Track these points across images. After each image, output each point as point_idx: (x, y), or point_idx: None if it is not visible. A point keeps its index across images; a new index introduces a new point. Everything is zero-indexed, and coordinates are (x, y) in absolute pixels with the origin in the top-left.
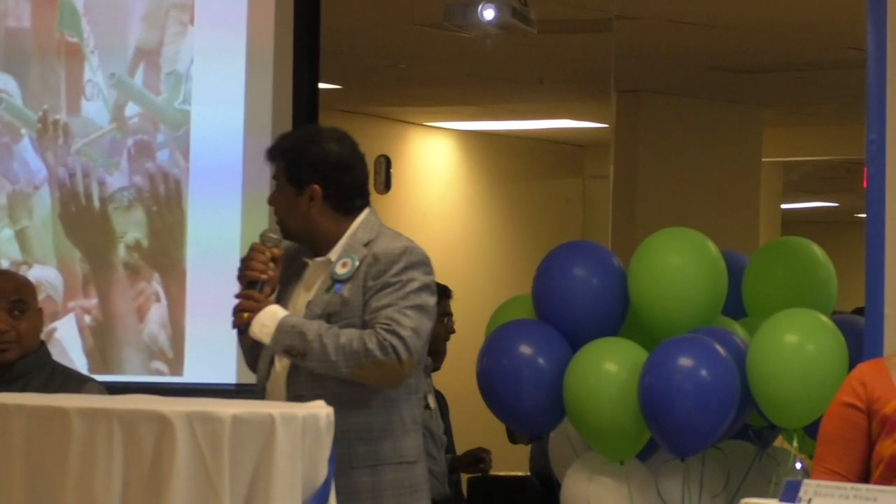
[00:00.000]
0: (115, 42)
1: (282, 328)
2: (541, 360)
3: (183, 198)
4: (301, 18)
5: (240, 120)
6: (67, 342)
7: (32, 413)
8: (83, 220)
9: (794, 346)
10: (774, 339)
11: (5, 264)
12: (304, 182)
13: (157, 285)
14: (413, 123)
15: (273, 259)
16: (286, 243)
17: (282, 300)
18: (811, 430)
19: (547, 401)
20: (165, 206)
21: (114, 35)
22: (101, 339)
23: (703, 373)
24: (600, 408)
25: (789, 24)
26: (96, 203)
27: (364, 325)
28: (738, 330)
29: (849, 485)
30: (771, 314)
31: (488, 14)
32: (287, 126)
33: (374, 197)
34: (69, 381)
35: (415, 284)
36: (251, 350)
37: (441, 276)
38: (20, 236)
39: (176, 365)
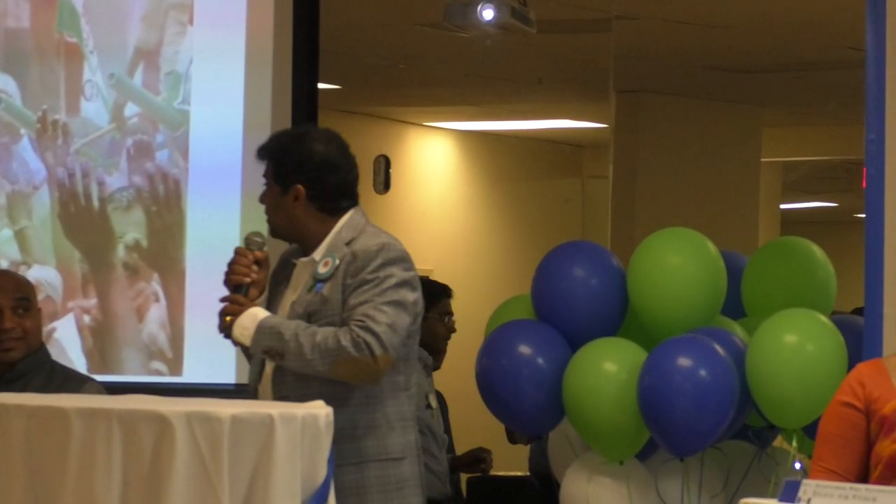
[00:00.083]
0: (114, 42)
1: (261, 329)
2: (540, 360)
3: (182, 198)
4: (300, 18)
5: (239, 120)
6: (67, 342)
7: (32, 413)
8: (82, 221)
9: (793, 347)
10: (774, 340)
11: (4, 264)
12: (289, 181)
13: (156, 285)
14: (412, 123)
15: (257, 262)
16: (286, 246)
17: (272, 302)
18: (810, 431)
19: (546, 401)
20: (165, 206)
21: (113, 35)
22: (100, 340)
23: (703, 373)
24: (599, 408)
25: (788, 24)
26: (95, 203)
27: (343, 324)
28: (737, 330)
29: (848, 485)
30: (770, 314)
31: (488, 14)
32: (286, 126)
33: (374, 197)
34: (69, 380)
35: (392, 281)
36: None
37: (440, 276)
38: (19, 236)
39: (175, 365)
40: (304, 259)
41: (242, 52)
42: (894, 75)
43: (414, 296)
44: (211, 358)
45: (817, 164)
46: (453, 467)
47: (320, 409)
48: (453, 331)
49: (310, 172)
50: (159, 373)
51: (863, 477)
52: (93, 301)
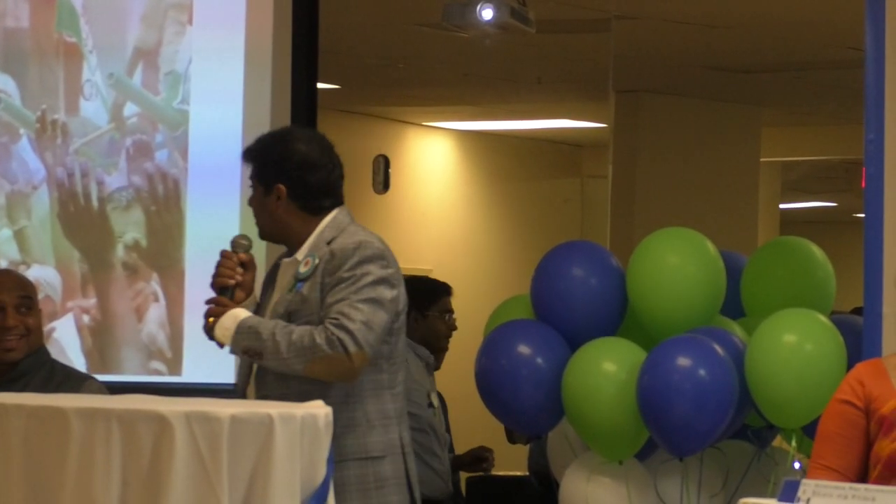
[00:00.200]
0: (113, 42)
1: (240, 329)
2: (539, 360)
3: (181, 198)
4: (299, 18)
5: (238, 120)
6: (66, 342)
7: (31, 413)
8: (82, 220)
9: (792, 346)
10: (773, 339)
11: (4, 264)
12: (272, 181)
13: (155, 285)
14: (412, 123)
15: (242, 264)
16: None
17: (262, 304)
18: (810, 430)
19: (545, 401)
20: (164, 206)
21: (112, 35)
22: (99, 339)
23: (702, 373)
24: (599, 408)
25: (788, 23)
26: (95, 203)
27: (321, 322)
28: (736, 330)
29: (847, 484)
30: (769, 314)
31: (487, 14)
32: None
33: (373, 197)
34: (69, 379)
35: (369, 278)
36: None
37: (439, 276)
38: (19, 236)
39: (174, 365)
40: (287, 259)
41: (242, 51)
42: (893, 75)
43: (392, 293)
44: (210, 358)
45: (816, 164)
46: (455, 466)
47: (319, 409)
48: (454, 328)
49: (291, 171)
50: (158, 373)
51: (862, 476)
52: (92, 301)
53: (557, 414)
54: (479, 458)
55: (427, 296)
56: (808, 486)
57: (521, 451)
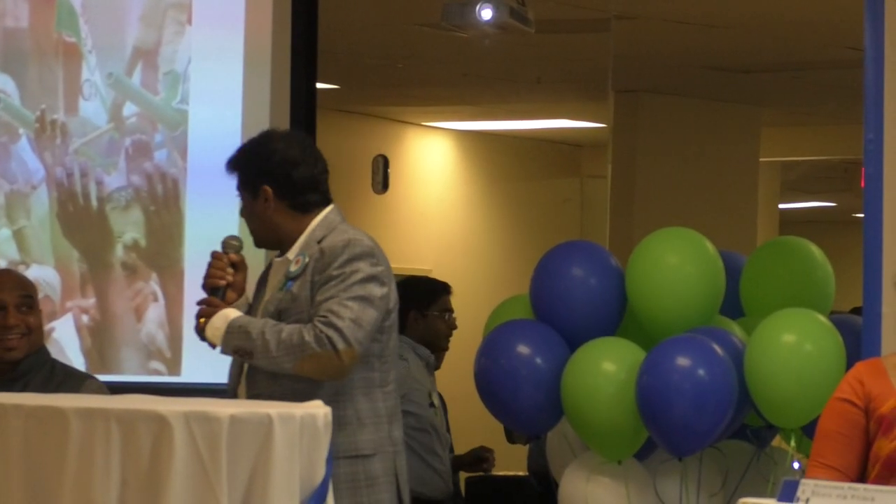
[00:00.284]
0: (112, 42)
1: (230, 329)
2: (539, 360)
3: (181, 197)
4: (299, 18)
5: (237, 120)
6: (65, 342)
7: (30, 413)
8: (81, 220)
9: (791, 346)
10: (772, 339)
11: (3, 264)
12: (256, 185)
13: (154, 285)
14: (411, 123)
15: (233, 265)
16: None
17: (254, 304)
18: (809, 430)
19: (545, 400)
20: (163, 206)
21: (112, 35)
22: (98, 339)
23: (701, 372)
24: (598, 408)
25: (787, 23)
26: (94, 203)
27: (311, 320)
28: (735, 330)
29: (846, 484)
30: (769, 314)
31: (486, 14)
32: (285, 126)
33: (372, 196)
34: (69, 378)
35: (358, 276)
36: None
37: (439, 276)
38: (18, 236)
39: (174, 365)
40: (278, 259)
41: (241, 51)
42: (893, 75)
43: (382, 290)
44: (209, 358)
45: (816, 164)
46: (455, 467)
47: (319, 409)
48: (454, 327)
49: (273, 171)
50: (158, 372)
51: (861, 475)
52: (91, 301)
53: (557, 414)
54: (480, 458)
55: (427, 295)
56: (807, 486)
57: (521, 450)
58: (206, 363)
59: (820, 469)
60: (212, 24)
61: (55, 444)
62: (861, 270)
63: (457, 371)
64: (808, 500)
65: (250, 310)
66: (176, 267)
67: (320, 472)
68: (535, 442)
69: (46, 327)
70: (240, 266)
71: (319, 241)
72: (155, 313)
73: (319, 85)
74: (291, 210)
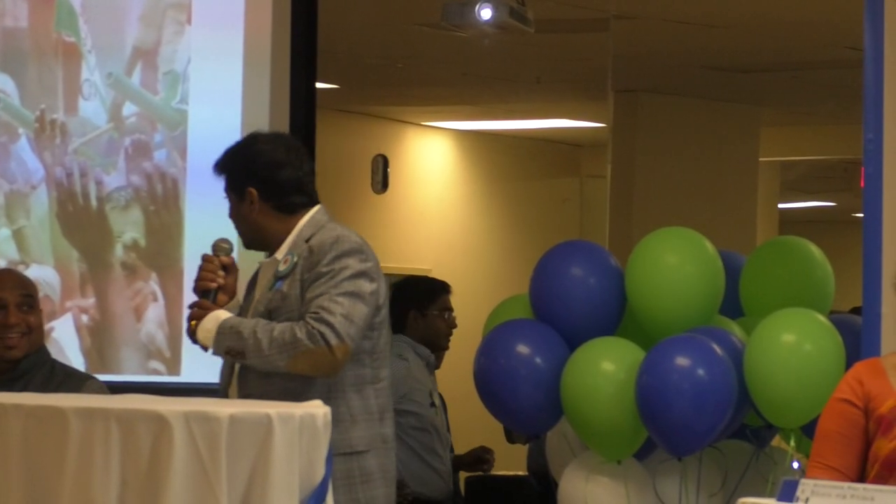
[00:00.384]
0: (112, 42)
1: (221, 330)
2: (538, 360)
3: (180, 197)
4: (298, 18)
5: (237, 119)
6: (65, 342)
7: (30, 413)
8: (80, 220)
9: (791, 346)
10: (772, 339)
11: (3, 264)
12: (242, 187)
13: (154, 285)
14: (410, 123)
15: (224, 267)
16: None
17: (245, 306)
18: (808, 430)
19: (544, 400)
20: (163, 206)
21: (111, 35)
22: (98, 339)
23: (701, 372)
24: (598, 407)
25: (786, 23)
26: (93, 202)
27: (302, 318)
28: (735, 329)
29: (846, 484)
30: (768, 314)
31: (486, 13)
32: (284, 126)
33: (372, 196)
34: (70, 378)
35: (347, 272)
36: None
37: (438, 276)
38: (17, 236)
39: (173, 364)
40: (267, 259)
41: (240, 51)
42: (892, 75)
43: (372, 286)
44: (209, 358)
45: (815, 164)
46: (455, 466)
47: (318, 409)
48: (454, 326)
49: (258, 173)
50: (157, 372)
51: (862, 475)
52: (91, 300)
53: (556, 413)
54: (480, 458)
55: (426, 295)
56: (806, 486)
57: (520, 450)
58: (205, 363)
59: (820, 470)
60: (211, 23)
61: (55, 444)
62: (860, 270)
63: (456, 371)
64: (807, 500)
65: (241, 312)
66: (175, 267)
67: (320, 471)
68: (534, 442)
69: (46, 327)
70: (231, 268)
71: (307, 240)
72: (154, 313)
73: (319, 85)
74: (277, 211)
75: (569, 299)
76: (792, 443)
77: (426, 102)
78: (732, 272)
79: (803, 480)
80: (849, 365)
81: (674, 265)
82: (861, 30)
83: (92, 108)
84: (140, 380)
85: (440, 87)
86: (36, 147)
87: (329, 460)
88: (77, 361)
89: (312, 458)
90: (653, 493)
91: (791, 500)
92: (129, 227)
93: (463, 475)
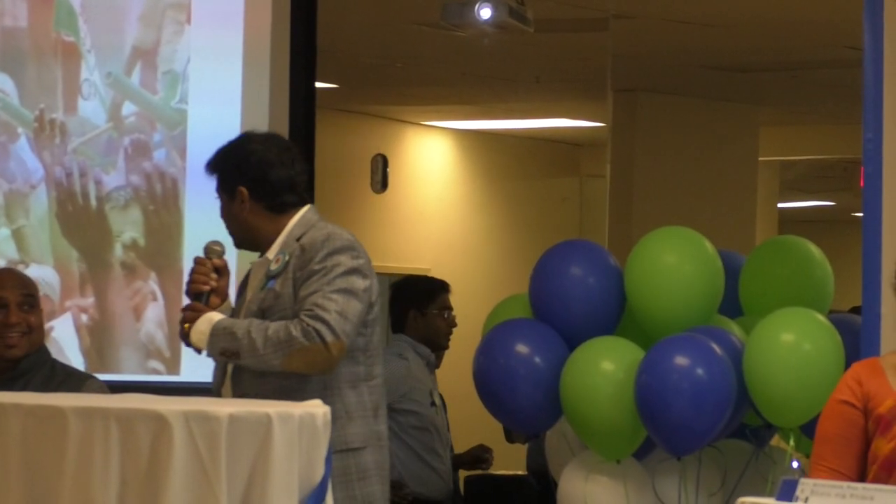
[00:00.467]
0: (111, 41)
1: (215, 332)
2: (537, 359)
3: (180, 197)
4: (298, 17)
5: (236, 119)
6: (64, 341)
7: (29, 412)
8: (80, 220)
9: (790, 345)
10: (771, 338)
11: (2, 263)
12: (233, 186)
13: (153, 284)
14: (410, 122)
15: (216, 269)
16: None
17: (237, 308)
18: (808, 429)
19: (543, 400)
20: (162, 206)
21: (110, 34)
22: (97, 339)
23: (700, 372)
24: (597, 407)
25: (786, 23)
26: (93, 202)
27: (295, 317)
28: (734, 329)
29: (845, 483)
30: (767, 313)
31: (485, 13)
32: (284, 125)
33: (371, 196)
34: (70, 378)
35: (340, 269)
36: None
37: (437, 275)
38: (17, 235)
39: (173, 364)
40: (258, 260)
41: (240, 51)
42: (891, 74)
43: (365, 283)
44: (208, 357)
45: (814, 163)
46: (454, 465)
47: (318, 408)
48: (454, 325)
49: (249, 173)
50: (157, 372)
51: (864, 476)
52: (90, 300)
53: (555, 413)
54: (479, 457)
55: (425, 294)
56: (806, 485)
57: (520, 450)
58: (204, 363)
59: (822, 472)
60: (211, 23)
61: (54, 444)
62: (860, 270)
63: (456, 370)
64: (806, 500)
65: (233, 314)
66: (175, 266)
67: (319, 470)
68: (533, 441)
69: (45, 326)
70: (223, 271)
71: (298, 239)
72: (154, 313)
73: (318, 84)
74: (268, 211)
75: (568, 299)
76: (791, 442)
77: (426, 102)
78: (732, 272)
79: (803, 480)
80: (848, 364)
81: (673, 265)
82: (860, 29)
83: (91, 108)
84: (139, 379)
85: (440, 86)
86: (35, 147)
87: (329, 460)
88: (76, 361)
89: (312, 457)
90: (652, 493)
91: (790, 500)
92: (128, 227)
93: (462, 474)
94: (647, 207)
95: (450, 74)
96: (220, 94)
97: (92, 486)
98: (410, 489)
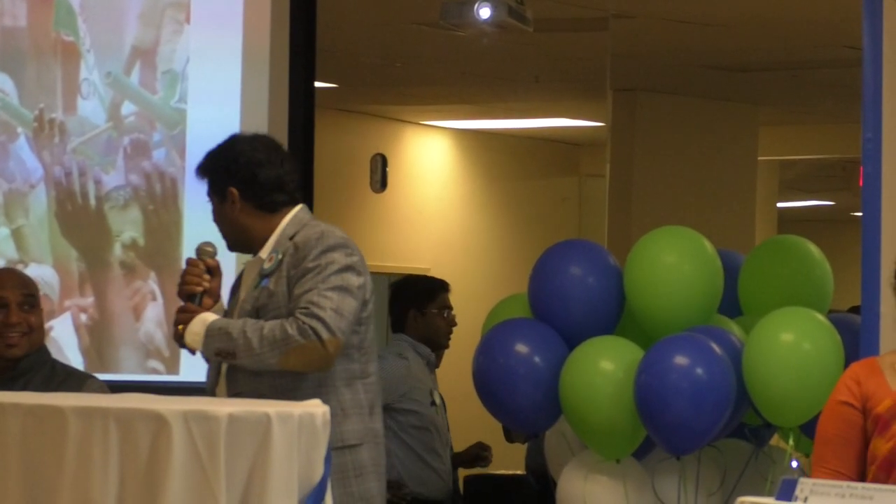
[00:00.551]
0: (111, 41)
1: (209, 332)
2: (537, 359)
3: (179, 196)
4: (297, 17)
5: (236, 119)
6: (64, 341)
7: (29, 412)
8: (79, 219)
9: (790, 345)
10: (770, 338)
11: (2, 263)
12: (223, 188)
13: (153, 284)
14: (409, 122)
15: (209, 270)
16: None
17: (230, 309)
18: (807, 429)
19: (543, 399)
20: (161, 205)
21: (110, 34)
22: (97, 338)
23: (699, 371)
24: (596, 406)
25: (785, 22)
26: (92, 202)
27: (290, 315)
28: (734, 328)
29: (845, 483)
30: (767, 313)
31: (485, 13)
32: (283, 124)
33: (371, 195)
34: (70, 378)
35: (334, 267)
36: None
37: (437, 275)
38: (16, 235)
39: (172, 364)
40: (251, 259)
41: (239, 50)
42: (890, 74)
43: (359, 280)
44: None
45: (814, 163)
46: (453, 464)
47: (317, 408)
48: (454, 324)
49: (238, 173)
50: (156, 371)
51: (864, 476)
52: (90, 300)
53: (555, 413)
54: (478, 455)
55: (425, 293)
56: (805, 485)
57: (519, 449)
58: (204, 362)
59: (824, 474)
60: (210, 23)
61: (53, 443)
62: (859, 269)
63: (455, 370)
64: (806, 499)
65: (226, 314)
66: (174, 266)
67: (318, 470)
68: (533, 441)
69: (45, 326)
70: (215, 271)
71: (291, 238)
72: (153, 312)
73: (318, 84)
74: (259, 210)
75: (567, 298)
76: (791, 442)
77: (425, 101)
78: (731, 271)
79: (802, 479)
80: (847, 364)
81: (672, 264)
82: (859, 29)
83: (91, 108)
84: (139, 379)
85: (439, 86)
86: (35, 146)
87: (328, 459)
88: (76, 360)
89: (311, 457)
90: (651, 492)
91: (790, 499)
92: (127, 227)
93: (462, 474)
94: (647, 207)
95: (449, 74)
96: (219, 94)
97: (91, 485)
98: (409, 489)
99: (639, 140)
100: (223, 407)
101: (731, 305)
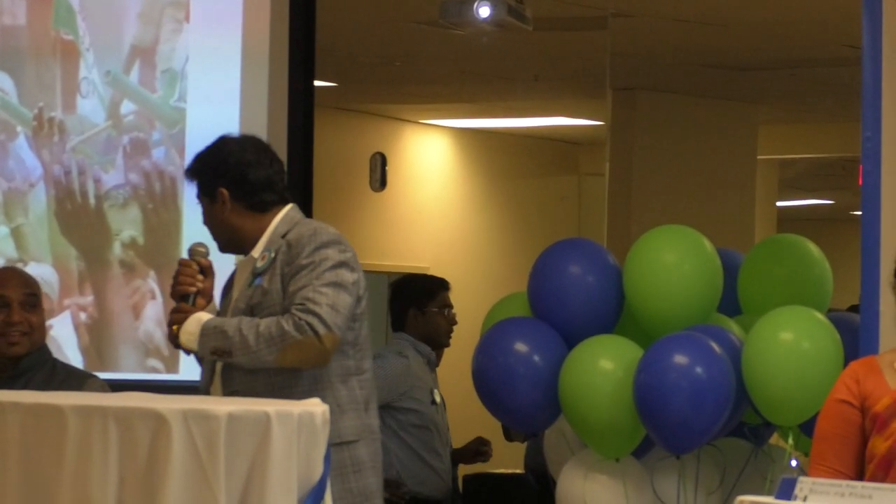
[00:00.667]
0: (110, 40)
1: (205, 331)
2: (536, 358)
3: (178, 195)
4: (296, 16)
5: (235, 118)
6: (63, 340)
7: (28, 410)
8: (79, 218)
9: (789, 344)
10: (770, 337)
11: (1, 262)
12: (213, 189)
13: (152, 283)
14: (409, 121)
15: (202, 270)
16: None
17: (222, 309)
18: (806, 428)
19: (542, 398)
20: (161, 204)
21: (109, 33)
22: (96, 337)
23: (699, 370)
24: (596, 405)
25: (785, 21)
26: (92, 201)
27: (285, 312)
28: (733, 327)
29: (844, 482)
30: (766, 311)
31: (484, 11)
32: (282, 123)
33: (370, 194)
34: (71, 377)
35: (328, 263)
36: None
37: (436, 274)
38: (16, 234)
39: (171, 363)
40: (244, 258)
41: (238, 49)
42: (890, 72)
43: (353, 276)
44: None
45: (813, 162)
46: (453, 461)
47: (317, 407)
48: (454, 323)
49: (228, 174)
50: (156, 370)
51: (863, 474)
52: (89, 298)
53: (554, 411)
54: (477, 451)
55: (425, 292)
56: (804, 484)
57: (518, 448)
58: None
59: (823, 472)
60: (210, 22)
61: (53, 442)
62: (858, 268)
63: (454, 369)
64: (805, 498)
65: (219, 314)
66: (173, 265)
67: (318, 469)
68: (532, 439)
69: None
70: (208, 271)
71: (284, 235)
72: (153, 311)
73: (317, 83)
74: (249, 210)
75: (567, 297)
76: (790, 440)
77: (424, 100)
78: (730, 270)
79: (801, 478)
80: (847, 363)
81: (672, 263)
82: (859, 28)
83: (90, 106)
84: (138, 378)
85: (438, 84)
86: (34, 145)
87: (328, 458)
88: (75, 359)
89: (311, 456)
90: (651, 491)
91: (789, 498)
92: (127, 225)
93: (462, 472)
94: (646, 206)
95: (448, 73)
96: (218, 93)
97: (90, 484)
98: (408, 488)
99: (638, 139)
100: (223, 406)
101: (730, 304)
